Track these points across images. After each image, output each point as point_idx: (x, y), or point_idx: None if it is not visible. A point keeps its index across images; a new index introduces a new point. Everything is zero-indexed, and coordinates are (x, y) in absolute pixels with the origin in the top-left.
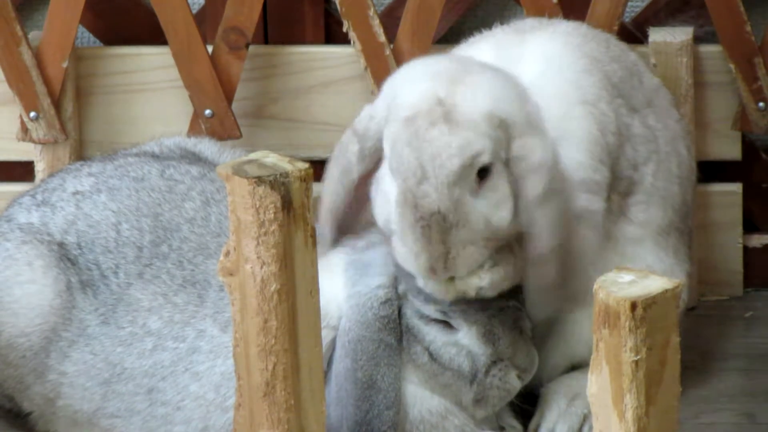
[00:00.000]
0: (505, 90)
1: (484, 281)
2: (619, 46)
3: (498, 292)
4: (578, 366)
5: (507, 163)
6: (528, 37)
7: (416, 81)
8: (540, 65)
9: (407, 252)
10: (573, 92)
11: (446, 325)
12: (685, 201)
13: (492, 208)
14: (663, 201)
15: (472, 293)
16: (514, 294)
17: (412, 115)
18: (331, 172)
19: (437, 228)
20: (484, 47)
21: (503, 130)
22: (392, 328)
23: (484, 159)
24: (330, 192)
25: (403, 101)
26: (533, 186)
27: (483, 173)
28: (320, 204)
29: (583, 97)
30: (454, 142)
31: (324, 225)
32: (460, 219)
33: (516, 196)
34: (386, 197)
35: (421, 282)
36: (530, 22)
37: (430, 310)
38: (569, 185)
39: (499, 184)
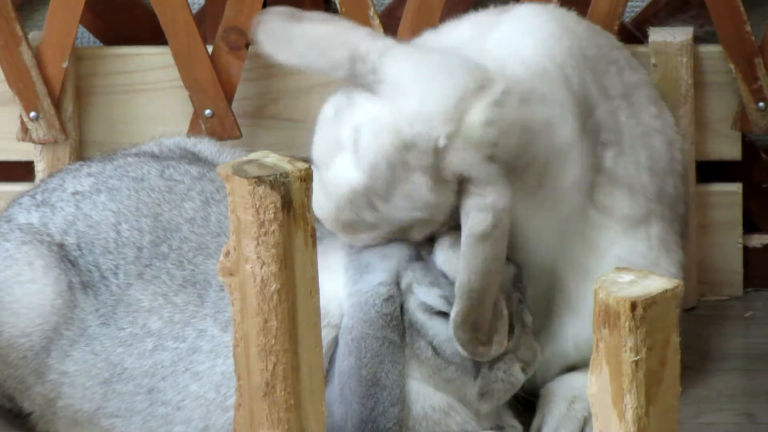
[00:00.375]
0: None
1: None
2: (605, 38)
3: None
4: (573, 367)
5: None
6: (504, 14)
7: (425, 110)
8: (505, 30)
9: (318, 199)
10: (536, 50)
11: (449, 317)
12: (663, 190)
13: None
14: (629, 190)
15: None
16: (515, 285)
17: (410, 143)
18: None
19: (359, 224)
20: (464, 25)
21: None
22: (395, 325)
23: None
24: (302, 54)
25: (405, 117)
26: (474, 223)
27: None
28: None
29: (548, 54)
30: (428, 200)
31: None
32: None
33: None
34: (335, 143)
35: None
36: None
37: (435, 300)
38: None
39: None
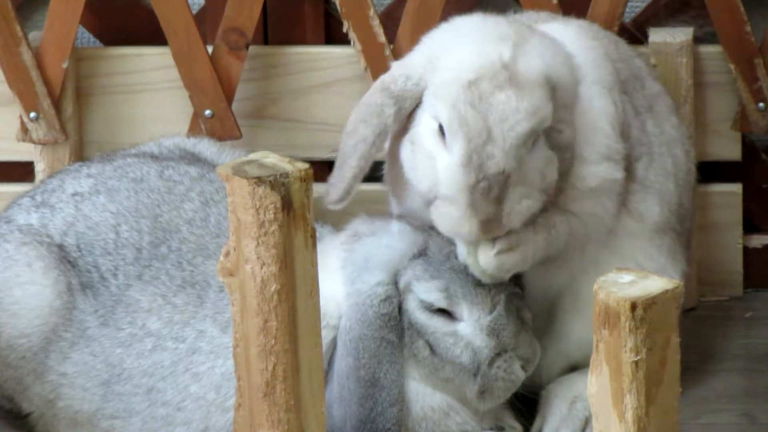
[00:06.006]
0: (558, 57)
1: (516, 257)
2: (627, 50)
3: (523, 269)
4: (576, 367)
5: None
6: (540, 25)
7: (475, 43)
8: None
9: (458, 215)
10: (591, 72)
11: (449, 316)
12: (681, 202)
13: (544, 164)
14: (659, 196)
15: (505, 269)
16: (515, 283)
17: (476, 77)
18: (361, 134)
19: (498, 188)
20: None
21: (554, 96)
22: (393, 326)
23: (547, 123)
24: (359, 155)
25: (461, 63)
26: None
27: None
28: (339, 170)
29: (600, 80)
30: (523, 107)
31: (340, 187)
32: (520, 177)
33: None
34: (431, 160)
35: (461, 251)
36: (541, 15)
37: (434, 296)
38: (590, 154)
39: (542, 142)
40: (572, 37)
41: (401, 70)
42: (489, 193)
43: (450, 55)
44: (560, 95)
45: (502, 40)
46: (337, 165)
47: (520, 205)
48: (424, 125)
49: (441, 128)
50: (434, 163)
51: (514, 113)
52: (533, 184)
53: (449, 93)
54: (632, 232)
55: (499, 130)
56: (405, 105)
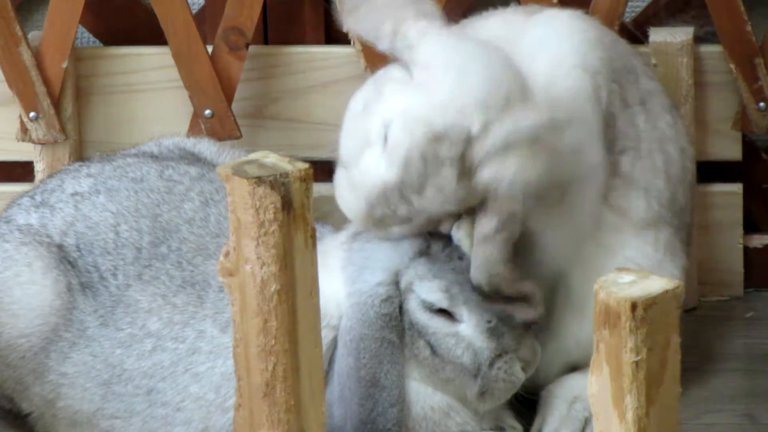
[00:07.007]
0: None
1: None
2: (625, 47)
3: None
4: (575, 367)
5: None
6: (536, 14)
7: (459, 98)
8: (542, 31)
9: (353, 202)
10: (572, 57)
11: (449, 317)
12: (675, 198)
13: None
14: (645, 193)
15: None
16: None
17: (442, 136)
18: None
19: (393, 222)
20: (493, 21)
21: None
22: (394, 326)
23: (458, 220)
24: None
25: (439, 104)
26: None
27: None
28: None
29: (583, 64)
30: (457, 196)
31: None
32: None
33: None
34: (365, 140)
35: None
36: (534, 6)
37: (436, 296)
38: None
39: None
40: (564, 21)
41: (414, 36)
42: (386, 218)
43: (438, 88)
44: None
45: (483, 109)
46: (368, 6)
47: (402, 231)
48: (379, 113)
49: (386, 135)
50: (366, 145)
51: (450, 193)
52: (423, 229)
53: (413, 131)
54: (615, 227)
55: (430, 195)
56: (394, 53)
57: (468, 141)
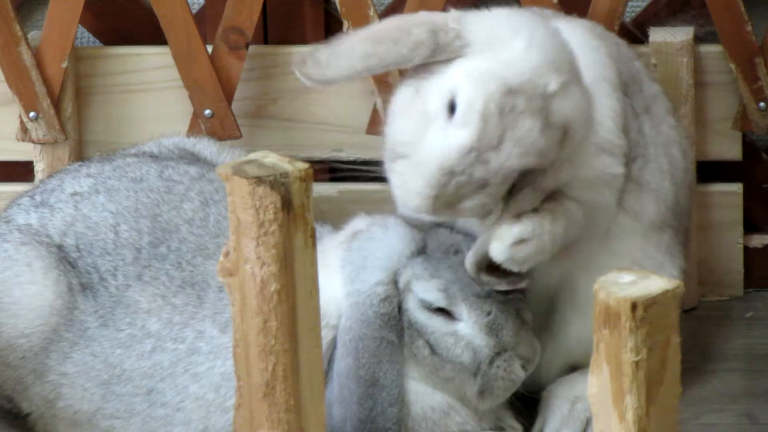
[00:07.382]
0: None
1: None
2: (628, 53)
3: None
4: (576, 365)
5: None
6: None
7: (535, 55)
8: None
9: (418, 185)
10: (599, 69)
11: (448, 315)
12: (677, 200)
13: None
14: (655, 195)
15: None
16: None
17: (518, 89)
18: (382, 52)
19: (470, 189)
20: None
21: (562, 143)
22: (393, 325)
23: (545, 166)
24: (365, 66)
25: (512, 66)
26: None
27: None
28: (337, 56)
29: (607, 78)
30: (538, 144)
31: (326, 74)
32: (491, 189)
33: None
34: (426, 117)
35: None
36: (545, 12)
37: (434, 295)
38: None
39: None
40: (578, 37)
41: (455, 25)
42: (460, 189)
43: (506, 49)
44: (567, 143)
45: (556, 71)
46: (337, 49)
47: (474, 204)
48: (438, 87)
49: (453, 104)
50: (427, 124)
51: (530, 144)
52: (497, 195)
53: (486, 86)
54: (628, 230)
55: (508, 149)
56: (437, 56)
57: (544, 97)
